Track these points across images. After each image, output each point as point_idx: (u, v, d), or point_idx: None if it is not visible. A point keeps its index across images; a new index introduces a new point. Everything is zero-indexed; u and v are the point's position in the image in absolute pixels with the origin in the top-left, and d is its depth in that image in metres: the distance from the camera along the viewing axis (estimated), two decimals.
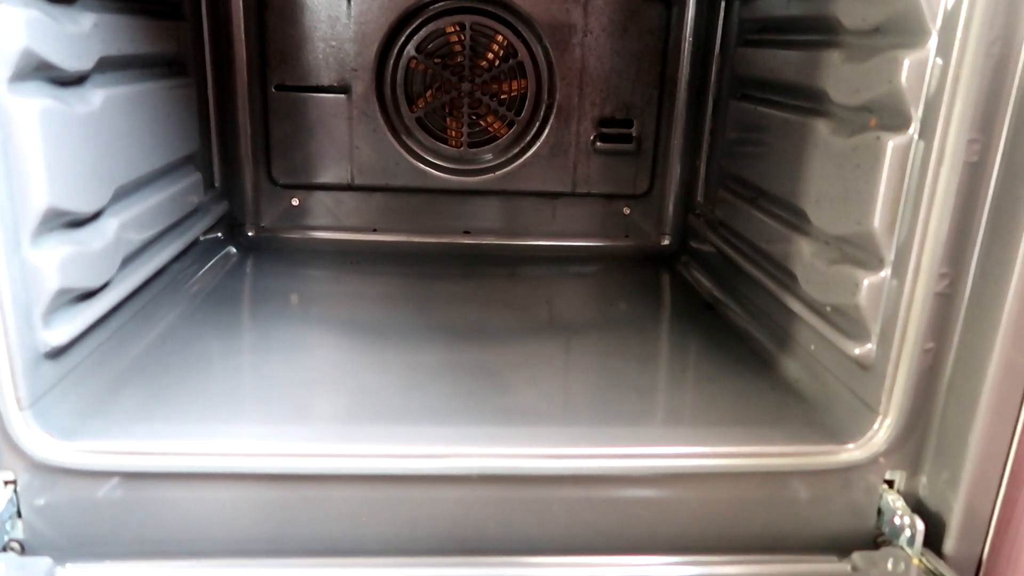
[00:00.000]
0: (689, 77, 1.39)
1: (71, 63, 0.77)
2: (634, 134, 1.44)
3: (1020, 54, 0.69)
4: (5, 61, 0.67)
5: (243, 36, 1.30)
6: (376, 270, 1.41)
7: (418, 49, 1.38)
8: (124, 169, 0.90)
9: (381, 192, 1.45)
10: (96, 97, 0.83)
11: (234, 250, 1.40)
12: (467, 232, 1.48)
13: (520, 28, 1.38)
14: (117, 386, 0.88)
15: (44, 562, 0.75)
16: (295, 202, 1.44)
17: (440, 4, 1.36)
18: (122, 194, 0.91)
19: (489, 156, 1.45)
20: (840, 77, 0.88)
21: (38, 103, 0.71)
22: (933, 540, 0.82)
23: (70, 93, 0.78)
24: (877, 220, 0.80)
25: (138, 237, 0.95)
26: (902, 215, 0.78)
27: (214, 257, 1.34)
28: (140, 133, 0.96)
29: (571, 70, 1.40)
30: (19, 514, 0.77)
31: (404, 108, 1.41)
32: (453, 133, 1.43)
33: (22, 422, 0.73)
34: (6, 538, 0.76)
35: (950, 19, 0.71)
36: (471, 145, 1.44)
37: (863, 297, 0.82)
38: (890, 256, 0.80)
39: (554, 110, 1.42)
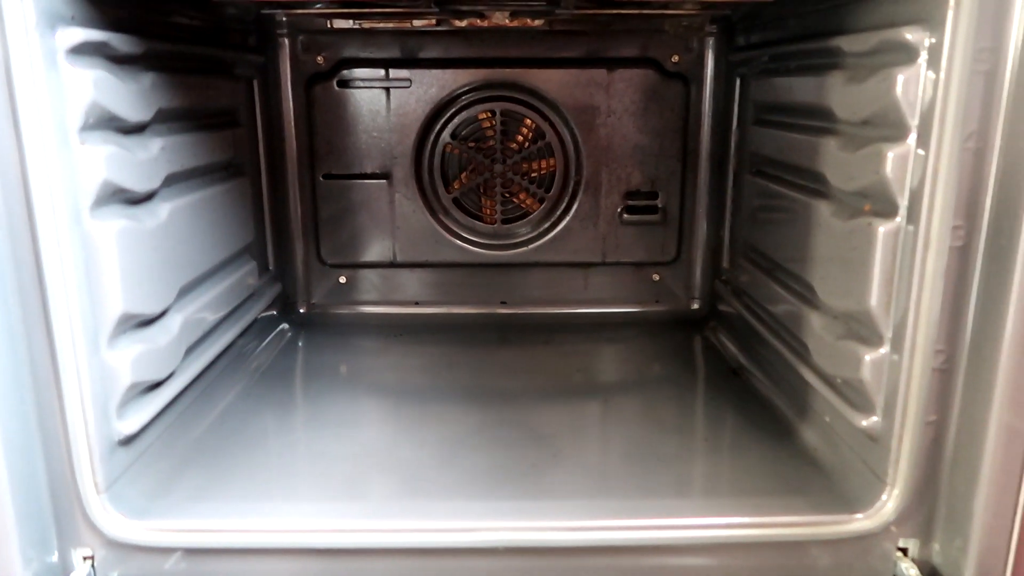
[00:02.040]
0: (710, 150, 1.46)
1: (142, 185, 0.88)
2: (660, 205, 1.51)
3: (995, 147, 0.74)
4: (88, 193, 0.78)
5: (294, 132, 1.43)
6: (419, 340, 1.50)
7: (453, 135, 1.48)
8: (187, 270, 1.01)
9: (422, 268, 1.54)
10: (163, 211, 0.94)
11: (287, 326, 1.51)
12: (504, 303, 1.56)
13: (547, 112, 1.47)
14: (182, 466, 0.97)
15: None
16: (343, 280, 1.55)
17: (472, 94, 1.46)
18: (185, 291, 1.01)
19: (523, 230, 1.53)
20: (837, 164, 0.94)
21: (115, 225, 0.82)
22: None
23: (141, 210, 0.89)
24: (874, 300, 0.85)
25: (200, 328, 1.06)
26: (896, 296, 0.83)
27: (269, 334, 1.44)
28: (201, 235, 1.07)
29: (597, 148, 1.48)
30: None
31: (441, 190, 1.51)
32: (488, 211, 1.52)
33: (99, 504, 0.83)
34: None
35: (926, 116, 0.77)
36: (505, 221, 1.53)
37: (866, 372, 0.87)
38: (888, 334, 0.85)
39: (582, 185, 1.50)
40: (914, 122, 0.78)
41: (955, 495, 0.84)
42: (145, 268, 0.88)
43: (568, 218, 1.52)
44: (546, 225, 1.53)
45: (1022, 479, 0.81)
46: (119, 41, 0.84)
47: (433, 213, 1.51)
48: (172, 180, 0.97)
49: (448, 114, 1.47)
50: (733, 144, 1.39)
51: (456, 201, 1.52)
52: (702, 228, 1.51)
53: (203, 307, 1.07)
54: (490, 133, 1.48)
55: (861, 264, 0.86)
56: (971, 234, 0.78)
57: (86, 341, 0.79)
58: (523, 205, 1.52)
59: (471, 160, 1.50)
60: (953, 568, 0.85)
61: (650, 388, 1.30)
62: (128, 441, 0.88)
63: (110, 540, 0.84)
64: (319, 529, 0.86)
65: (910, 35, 0.77)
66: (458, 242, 1.53)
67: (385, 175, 1.48)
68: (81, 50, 0.77)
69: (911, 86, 0.78)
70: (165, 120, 0.96)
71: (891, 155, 0.80)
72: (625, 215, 1.51)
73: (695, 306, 1.56)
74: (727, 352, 1.38)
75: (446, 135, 1.48)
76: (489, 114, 1.47)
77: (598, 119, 1.46)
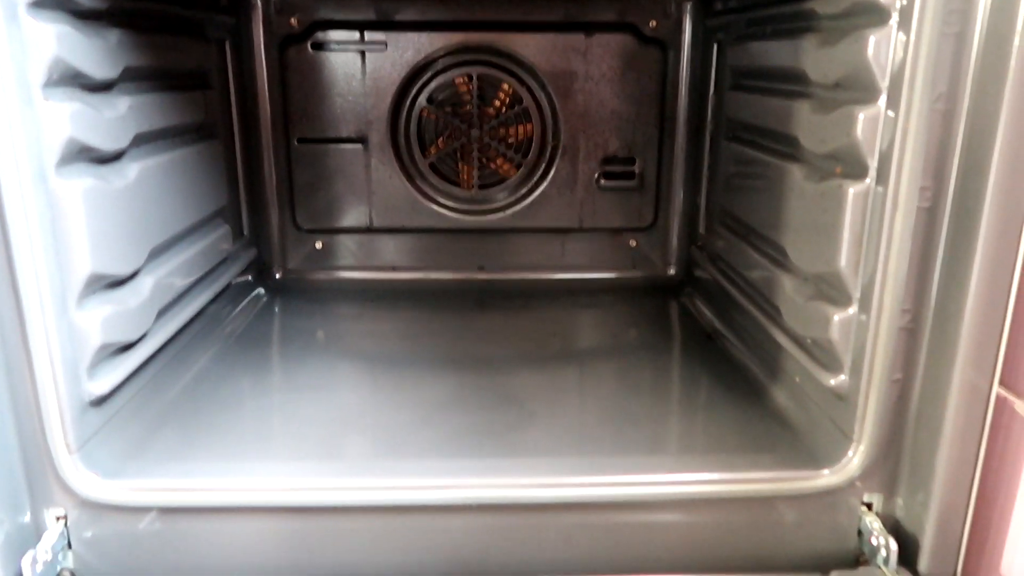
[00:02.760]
0: (687, 116, 1.46)
1: (109, 144, 0.87)
2: (637, 171, 1.51)
3: (963, 109, 0.75)
4: (53, 151, 0.77)
5: (267, 96, 1.41)
6: (396, 306, 1.50)
7: (429, 100, 1.47)
8: (158, 231, 1.00)
9: (399, 233, 1.54)
10: (131, 171, 0.92)
11: (263, 291, 1.50)
12: (481, 268, 1.56)
13: (524, 77, 1.46)
14: (155, 427, 0.97)
15: None
16: (318, 245, 1.54)
17: (448, 58, 1.45)
18: (156, 253, 1.00)
19: (500, 196, 1.53)
20: (809, 127, 0.95)
21: (81, 184, 0.81)
22: (910, 559, 0.87)
23: (108, 170, 0.88)
24: (843, 261, 0.86)
25: (172, 291, 1.05)
26: (865, 256, 0.84)
27: (244, 299, 1.44)
28: (172, 196, 1.05)
29: (574, 113, 1.47)
30: (69, 545, 0.87)
31: (418, 155, 1.50)
32: (465, 176, 1.52)
33: (71, 464, 0.83)
34: (59, 568, 0.86)
35: (896, 78, 0.77)
36: (482, 187, 1.52)
37: (835, 332, 0.88)
38: (856, 294, 0.86)
39: (559, 151, 1.50)
40: (884, 84, 0.79)
41: (918, 451, 0.86)
42: (113, 228, 0.87)
43: (545, 184, 1.51)
44: (523, 191, 1.53)
45: (982, 436, 0.83)
46: None
47: (410, 178, 1.51)
48: (141, 140, 0.96)
49: (424, 78, 1.46)
50: (710, 110, 1.39)
51: (433, 166, 1.51)
52: (679, 194, 1.51)
53: (175, 270, 1.06)
54: (467, 98, 1.47)
55: (832, 226, 0.87)
56: (938, 195, 0.79)
57: (54, 302, 0.78)
58: (500, 171, 1.52)
59: (448, 125, 1.49)
60: (915, 522, 0.87)
61: (626, 352, 1.31)
62: (100, 402, 0.87)
63: (83, 500, 0.84)
64: (293, 487, 0.86)
65: None
66: (435, 207, 1.52)
67: (361, 140, 1.47)
68: (43, 3, 0.75)
69: (882, 48, 0.78)
70: (133, 79, 0.94)
71: (862, 117, 0.81)
72: (602, 181, 1.51)
73: (671, 272, 1.57)
74: (702, 317, 1.40)
75: (422, 99, 1.47)
76: (466, 78, 1.46)
77: (575, 84, 1.46)
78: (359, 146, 1.47)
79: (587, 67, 1.45)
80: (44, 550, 0.83)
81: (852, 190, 0.83)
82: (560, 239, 1.56)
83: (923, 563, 0.86)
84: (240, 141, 1.38)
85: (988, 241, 0.76)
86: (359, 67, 1.43)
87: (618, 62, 1.45)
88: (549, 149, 1.50)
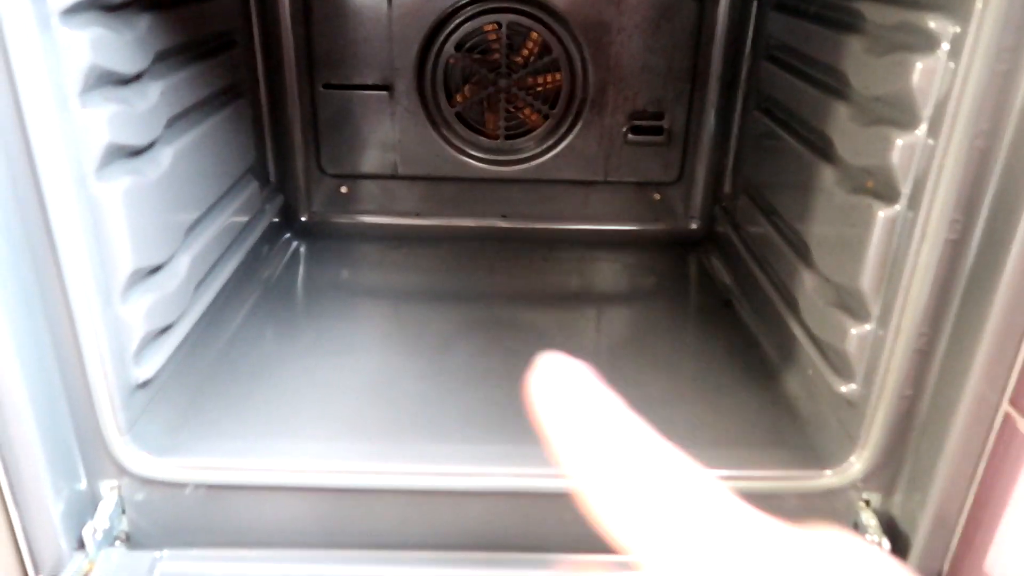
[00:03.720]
0: (720, 74, 1.42)
1: (144, 138, 0.87)
2: (665, 127, 1.48)
3: (1002, 148, 0.74)
4: (92, 157, 0.78)
5: (292, 43, 1.38)
6: (418, 251, 1.53)
7: (457, 47, 1.43)
8: (193, 210, 1.02)
9: (423, 181, 1.54)
10: (165, 157, 0.93)
11: (290, 235, 1.53)
12: (504, 216, 1.57)
13: (555, 26, 1.42)
14: (196, 400, 1.02)
15: (146, 552, 0.93)
16: (343, 190, 1.55)
17: (477, 4, 1.40)
18: (191, 230, 1.02)
19: (526, 147, 1.52)
20: (846, 133, 0.93)
21: (120, 184, 0.82)
22: (900, 555, 0.94)
23: (143, 162, 0.89)
24: (866, 280, 0.87)
25: (207, 262, 1.08)
26: (888, 279, 0.85)
27: (273, 244, 1.46)
28: (205, 169, 1.06)
29: (604, 65, 1.44)
30: (123, 512, 0.94)
31: (444, 103, 1.48)
32: (491, 126, 1.50)
33: (122, 444, 0.89)
34: (116, 530, 0.94)
35: (940, 107, 0.76)
36: (508, 137, 1.51)
37: (851, 344, 0.91)
38: (876, 312, 0.88)
39: (588, 104, 1.47)
40: (927, 112, 0.78)
41: (920, 458, 0.90)
42: (152, 221, 0.89)
43: (572, 136, 1.50)
44: (550, 142, 1.51)
45: (984, 449, 0.87)
46: None
47: (435, 127, 1.49)
48: (173, 122, 0.96)
49: (452, 25, 1.41)
50: (744, 72, 1.35)
51: (459, 115, 1.49)
52: (706, 151, 1.49)
53: (209, 241, 1.08)
54: (495, 46, 1.43)
55: (858, 243, 0.88)
56: (967, 229, 0.79)
57: (99, 299, 0.81)
58: (527, 121, 1.50)
59: (475, 73, 1.46)
60: (909, 520, 0.93)
61: (643, 314, 1.35)
62: (145, 384, 0.92)
63: (133, 475, 0.91)
64: (325, 470, 0.92)
65: (933, 23, 0.75)
66: (460, 156, 1.51)
67: (386, 87, 1.45)
68: (75, 9, 0.74)
69: (928, 76, 0.76)
70: (163, 61, 0.93)
71: (899, 143, 0.80)
72: (630, 135, 1.49)
73: (693, 226, 1.57)
74: (722, 277, 1.42)
75: (450, 47, 1.43)
76: (495, 26, 1.42)
77: (607, 36, 1.41)
78: (385, 93, 1.45)
79: (620, 18, 1.40)
80: (102, 518, 0.91)
81: (882, 214, 0.84)
82: (584, 191, 1.55)
83: (913, 559, 0.92)
84: (266, 91, 1.36)
85: (1011, 276, 0.77)
86: (385, 12, 1.39)
87: (652, 13, 1.40)
88: (577, 101, 1.47)
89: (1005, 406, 0.84)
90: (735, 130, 1.41)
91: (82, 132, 0.76)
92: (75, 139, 0.76)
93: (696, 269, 1.50)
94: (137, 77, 0.88)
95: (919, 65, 0.77)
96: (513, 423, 1.01)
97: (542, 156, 1.52)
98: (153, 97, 0.90)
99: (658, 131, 1.49)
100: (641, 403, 1.03)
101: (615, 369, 1.16)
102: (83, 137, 0.77)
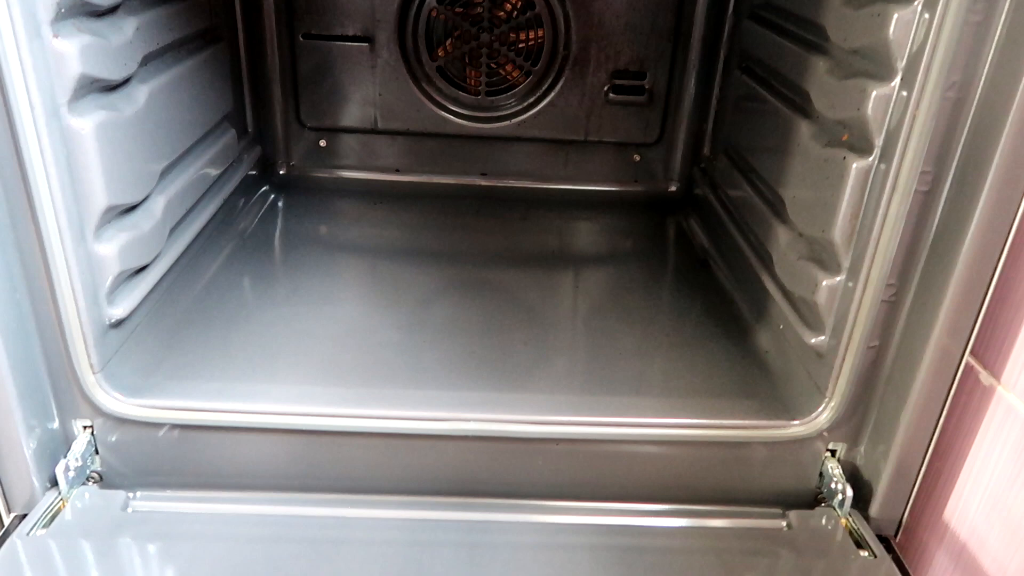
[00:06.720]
0: (703, 34, 1.42)
1: (119, 73, 0.86)
2: (646, 86, 1.48)
3: (974, 99, 0.76)
4: (65, 89, 0.77)
5: None
6: (398, 207, 1.52)
7: (439, 0, 1.42)
8: (168, 151, 1.01)
9: (403, 136, 1.53)
10: (141, 95, 0.92)
11: (268, 188, 1.51)
12: (484, 174, 1.57)
13: None
14: (171, 342, 1.02)
15: (118, 492, 0.93)
16: (322, 143, 1.53)
17: None
18: (167, 172, 1.01)
19: (507, 104, 1.51)
20: (822, 87, 0.94)
21: (94, 118, 0.81)
22: (863, 503, 0.96)
23: (118, 97, 0.88)
24: (837, 232, 0.88)
25: (183, 206, 1.07)
26: (859, 230, 0.86)
27: (250, 196, 1.45)
28: (181, 111, 1.05)
29: (587, 22, 1.43)
30: (96, 451, 0.94)
31: (425, 57, 1.47)
32: (472, 81, 1.49)
33: (94, 383, 0.89)
34: (88, 470, 0.94)
35: (913, 61, 0.77)
36: (489, 93, 1.50)
37: (821, 296, 0.92)
38: (846, 263, 0.89)
39: (570, 61, 1.47)
40: (901, 64, 0.78)
41: (885, 409, 0.93)
42: (126, 158, 0.88)
43: (553, 94, 1.49)
44: (531, 100, 1.51)
45: (946, 400, 0.89)
46: None
47: (416, 81, 1.48)
48: (149, 59, 0.95)
49: None
50: (726, 32, 1.35)
51: (440, 69, 1.48)
52: (686, 112, 1.50)
53: (185, 185, 1.07)
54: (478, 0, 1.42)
55: (831, 195, 0.89)
56: (938, 180, 0.80)
57: (72, 236, 0.81)
58: (509, 77, 1.49)
59: (457, 27, 1.45)
60: (872, 469, 0.95)
61: (620, 274, 1.35)
62: (119, 324, 0.92)
63: (106, 414, 0.91)
64: (301, 413, 0.92)
65: None
66: (441, 112, 1.51)
67: (367, 39, 1.43)
68: None
69: (904, 27, 0.77)
70: None
71: (874, 94, 0.81)
72: (611, 94, 1.49)
73: (672, 188, 1.58)
74: (699, 238, 1.43)
75: None
76: None
77: None
78: (365, 45, 1.44)
79: None
80: (74, 457, 0.91)
81: (855, 165, 0.85)
82: (564, 150, 1.56)
83: (874, 507, 0.95)
84: (244, 39, 1.34)
85: (979, 229, 0.78)
86: None
87: None
88: (559, 58, 1.47)
89: (967, 357, 0.87)
90: (716, 91, 1.42)
91: (55, 62, 0.75)
92: (47, 68, 0.75)
93: (675, 231, 1.51)
94: (112, 10, 0.87)
95: (896, 16, 0.77)
96: (489, 372, 1.03)
97: (523, 114, 1.51)
98: (128, 32, 0.88)
99: (639, 91, 1.49)
100: (616, 355, 1.04)
101: (591, 324, 1.18)
102: (56, 67, 0.75)
